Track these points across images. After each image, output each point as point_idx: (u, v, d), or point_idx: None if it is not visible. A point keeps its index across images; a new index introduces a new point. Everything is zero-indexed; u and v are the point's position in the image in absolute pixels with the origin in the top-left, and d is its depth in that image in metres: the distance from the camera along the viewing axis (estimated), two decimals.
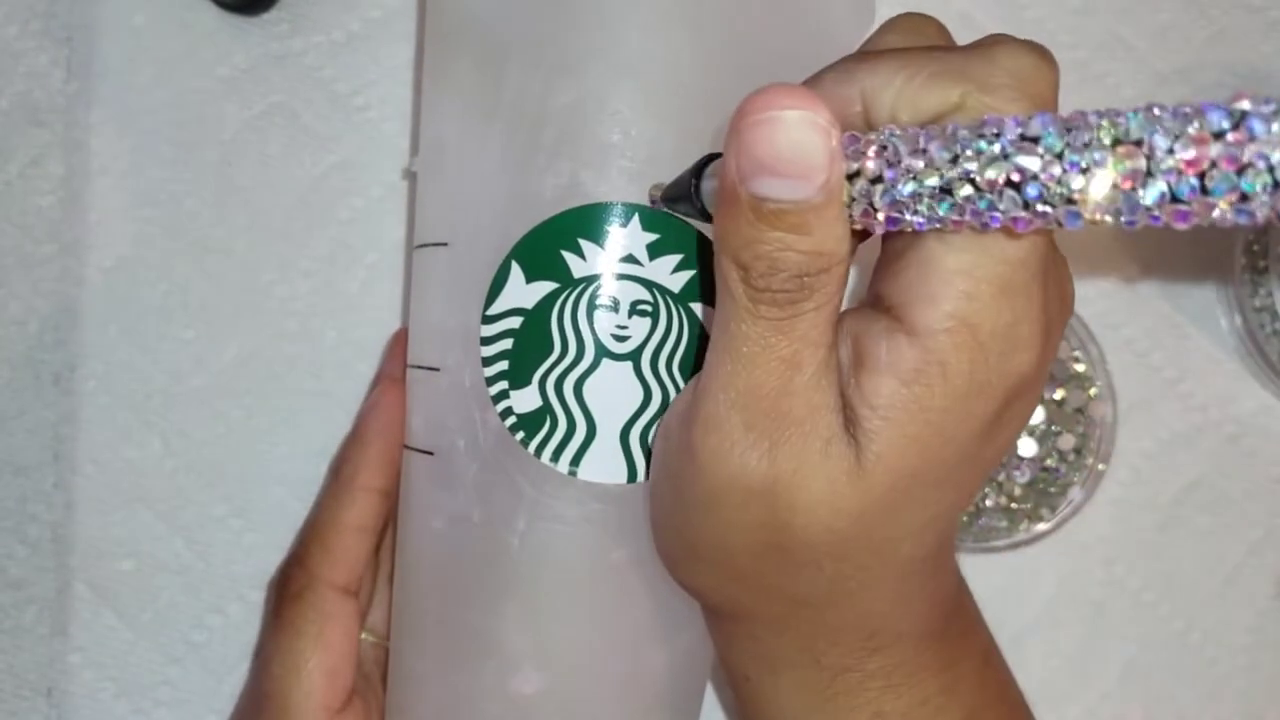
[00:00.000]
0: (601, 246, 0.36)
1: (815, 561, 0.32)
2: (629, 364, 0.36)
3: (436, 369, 0.39)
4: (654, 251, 0.36)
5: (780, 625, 0.34)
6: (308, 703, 0.41)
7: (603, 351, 0.36)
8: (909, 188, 0.27)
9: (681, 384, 0.37)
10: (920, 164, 0.26)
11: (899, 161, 0.27)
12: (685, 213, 0.34)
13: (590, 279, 0.36)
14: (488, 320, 0.37)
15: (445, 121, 0.40)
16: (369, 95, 0.52)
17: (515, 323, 0.37)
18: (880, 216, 0.28)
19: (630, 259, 0.36)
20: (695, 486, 0.32)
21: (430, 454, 0.40)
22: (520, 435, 0.37)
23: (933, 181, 0.26)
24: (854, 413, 0.30)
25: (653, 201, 0.35)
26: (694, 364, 0.37)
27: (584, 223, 0.36)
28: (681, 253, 0.36)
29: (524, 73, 0.37)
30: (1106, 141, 0.23)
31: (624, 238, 0.36)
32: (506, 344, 0.37)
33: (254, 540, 0.51)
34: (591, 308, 0.36)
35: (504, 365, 0.37)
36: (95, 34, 0.52)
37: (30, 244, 0.51)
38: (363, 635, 0.44)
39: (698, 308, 0.37)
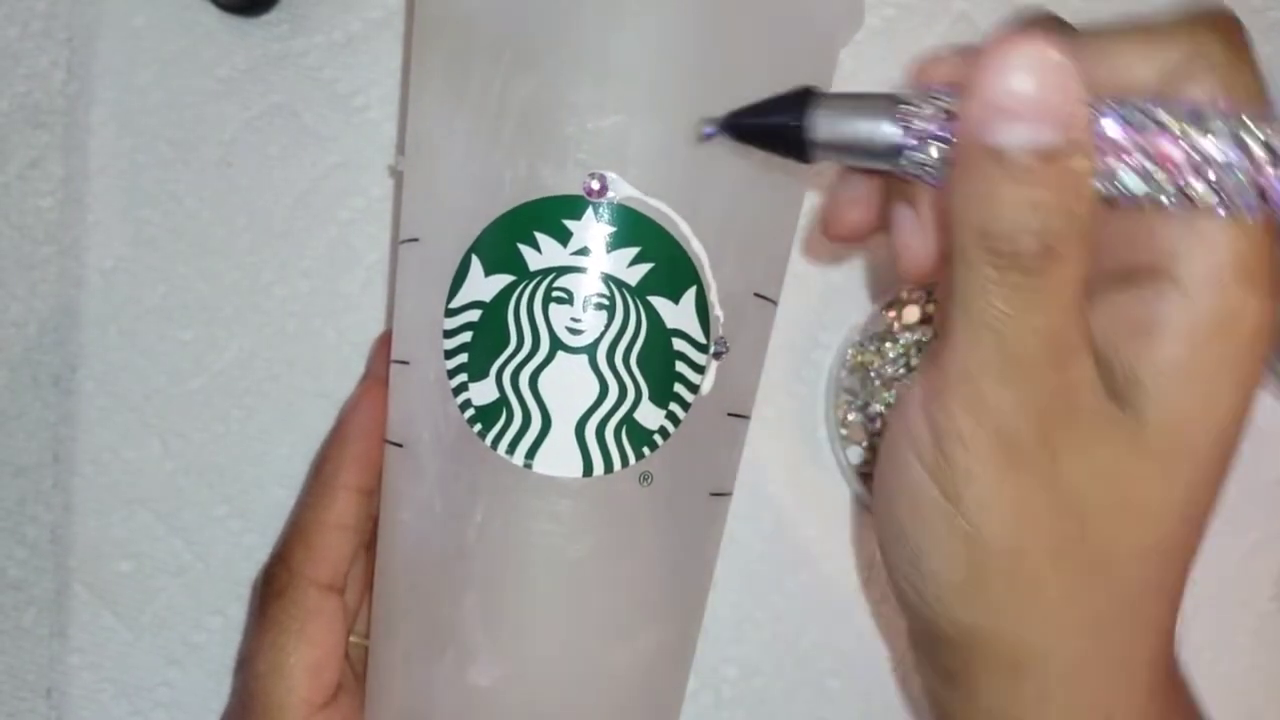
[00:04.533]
0: (557, 240, 0.36)
1: (1125, 554, 0.30)
2: (584, 357, 0.36)
3: (408, 363, 0.39)
4: (611, 244, 0.36)
5: (1083, 669, 0.31)
6: (291, 698, 0.42)
7: (557, 344, 0.36)
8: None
9: (639, 378, 0.37)
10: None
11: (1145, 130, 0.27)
12: (759, 144, 0.32)
13: (546, 272, 0.36)
14: (450, 314, 0.37)
15: (422, 119, 0.40)
16: (369, 96, 0.52)
17: (474, 316, 0.37)
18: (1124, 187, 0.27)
19: (586, 252, 0.36)
20: (967, 482, 0.30)
21: (401, 446, 0.40)
22: (478, 427, 0.37)
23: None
24: (1134, 382, 0.29)
25: (706, 134, 0.33)
26: (651, 358, 0.37)
27: (540, 216, 0.36)
28: (639, 245, 0.36)
29: (486, 68, 0.37)
30: None
31: (580, 231, 0.36)
32: (466, 337, 0.37)
33: (253, 541, 0.51)
34: (547, 301, 0.36)
35: (464, 358, 0.37)
36: (95, 35, 0.52)
37: (29, 245, 0.51)
38: (352, 639, 0.45)
39: (656, 301, 0.37)
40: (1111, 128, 0.27)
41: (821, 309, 0.52)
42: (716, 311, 0.37)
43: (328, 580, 0.43)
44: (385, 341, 0.45)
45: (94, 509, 0.51)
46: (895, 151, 0.29)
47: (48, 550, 0.51)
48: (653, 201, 0.36)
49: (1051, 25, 0.30)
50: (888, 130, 0.30)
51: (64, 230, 0.51)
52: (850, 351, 0.51)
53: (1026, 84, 0.26)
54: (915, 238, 0.33)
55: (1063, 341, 0.28)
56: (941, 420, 0.30)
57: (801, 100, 0.31)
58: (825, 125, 0.31)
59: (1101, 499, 0.29)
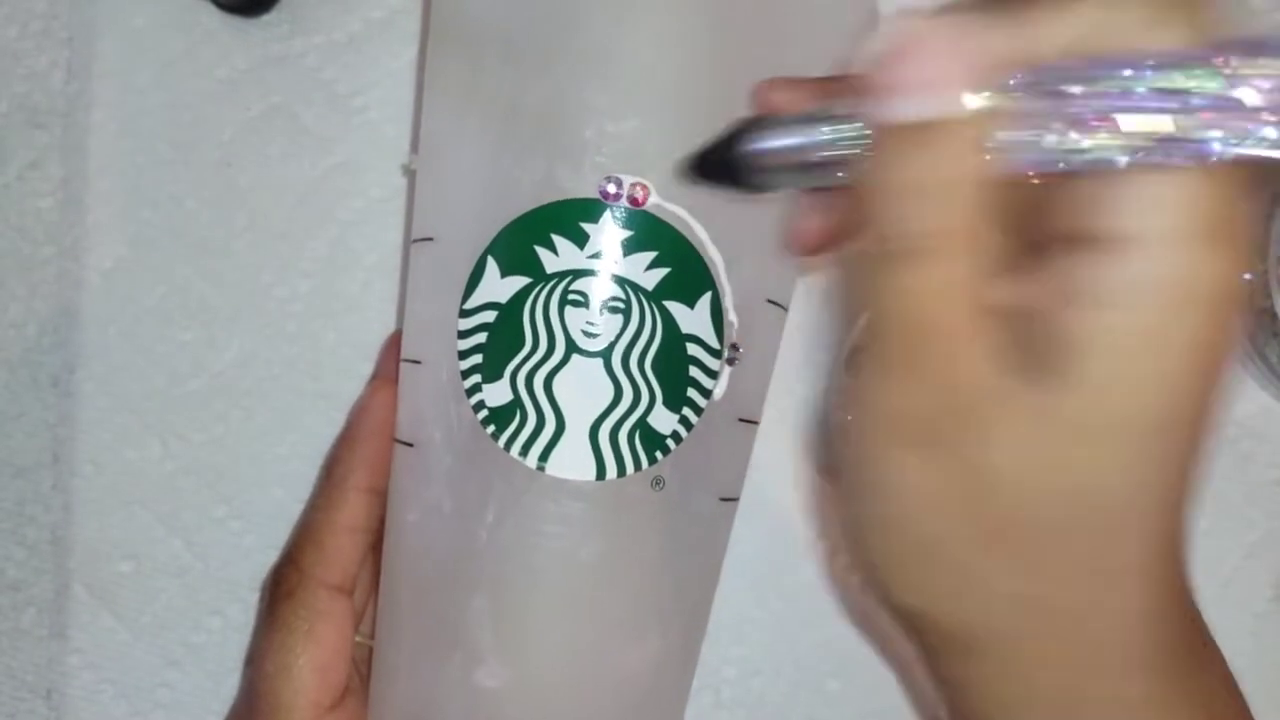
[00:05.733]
0: (574, 242, 0.36)
1: (1062, 536, 0.28)
2: (599, 361, 0.36)
3: (419, 362, 0.39)
4: (627, 248, 0.36)
5: (1039, 650, 0.30)
6: (298, 700, 0.41)
7: (573, 347, 0.36)
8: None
9: (654, 382, 0.37)
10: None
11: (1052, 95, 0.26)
12: (720, 182, 0.34)
13: (562, 274, 0.36)
14: (464, 314, 0.37)
15: (437, 118, 0.40)
16: (369, 96, 0.52)
17: (489, 317, 0.37)
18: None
19: (603, 255, 0.36)
20: (878, 473, 0.30)
21: (411, 446, 0.40)
22: (491, 429, 0.37)
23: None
24: (1065, 355, 0.27)
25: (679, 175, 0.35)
26: (666, 363, 0.37)
27: (557, 218, 0.36)
28: (655, 250, 0.36)
29: (503, 69, 0.37)
30: None
31: (596, 234, 0.36)
32: (481, 338, 0.37)
33: (253, 542, 0.51)
34: (563, 303, 0.36)
35: (478, 359, 0.37)
36: (95, 36, 0.51)
37: (29, 246, 0.51)
38: (356, 639, 0.44)
39: (671, 306, 0.37)
40: (1034, 97, 0.26)
41: (823, 309, 0.52)
42: (731, 317, 0.37)
43: (338, 582, 0.43)
44: (395, 341, 0.45)
45: (93, 510, 0.51)
46: (833, 164, 0.30)
47: (47, 551, 0.51)
48: (670, 206, 0.36)
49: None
50: (822, 142, 0.30)
51: (64, 231, 0.51)
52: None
53: (904, 60, 0.26)
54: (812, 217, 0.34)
55: (950, 331, 0.27)
56: (854, 412, 0.30)
57: (743, 131, 0.32)
58: (767, 150, 0.32)
59: (1024, 481, 0.28)
